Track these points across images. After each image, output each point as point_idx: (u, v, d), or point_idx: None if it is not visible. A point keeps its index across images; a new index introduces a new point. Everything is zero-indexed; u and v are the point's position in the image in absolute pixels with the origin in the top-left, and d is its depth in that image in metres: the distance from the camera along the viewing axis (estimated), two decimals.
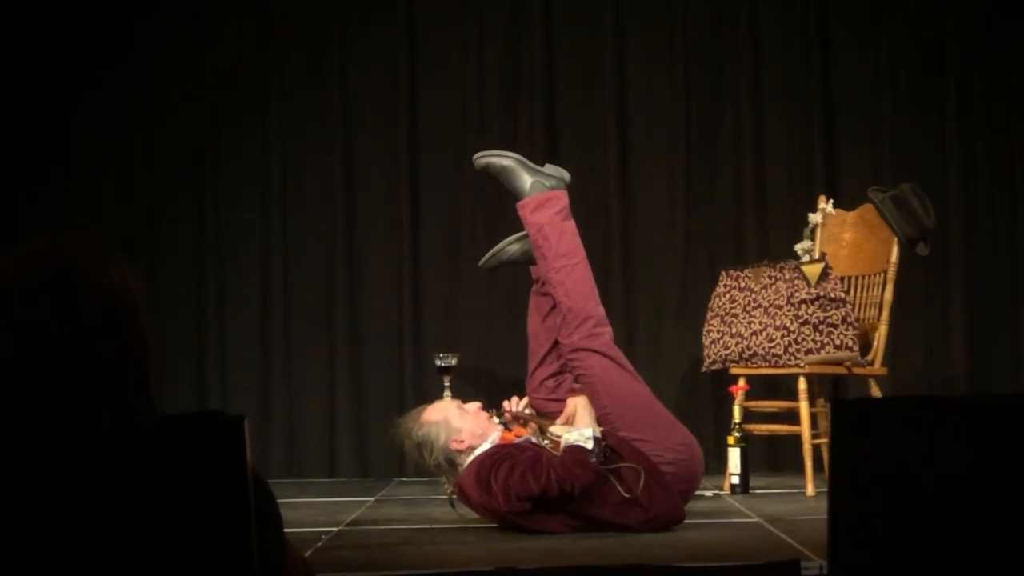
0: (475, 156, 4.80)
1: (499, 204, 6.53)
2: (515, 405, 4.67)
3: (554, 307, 4.70)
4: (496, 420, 4.65)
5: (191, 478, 1.66)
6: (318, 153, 6.69)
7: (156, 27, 6.60)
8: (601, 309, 4.65)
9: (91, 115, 6.56)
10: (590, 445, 4.17)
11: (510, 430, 4.61)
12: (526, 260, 4.82)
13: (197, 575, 1.65)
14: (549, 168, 4.78)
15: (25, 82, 6.48)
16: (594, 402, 4.43)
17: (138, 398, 1.78)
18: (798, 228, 5.95)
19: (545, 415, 4.64)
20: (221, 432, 1.68)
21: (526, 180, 4.68)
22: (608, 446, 4.31)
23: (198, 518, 1.65)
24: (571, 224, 4.70)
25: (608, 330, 4.61)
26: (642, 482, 4.16)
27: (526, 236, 4.78)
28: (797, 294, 5.27)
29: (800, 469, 5.39)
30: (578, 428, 4.25)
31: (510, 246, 4.85)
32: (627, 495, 4.15)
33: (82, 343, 1.74)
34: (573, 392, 4.59)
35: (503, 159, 4.72)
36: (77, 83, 6.53)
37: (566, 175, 4.79)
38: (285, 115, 6.68)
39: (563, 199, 4.72)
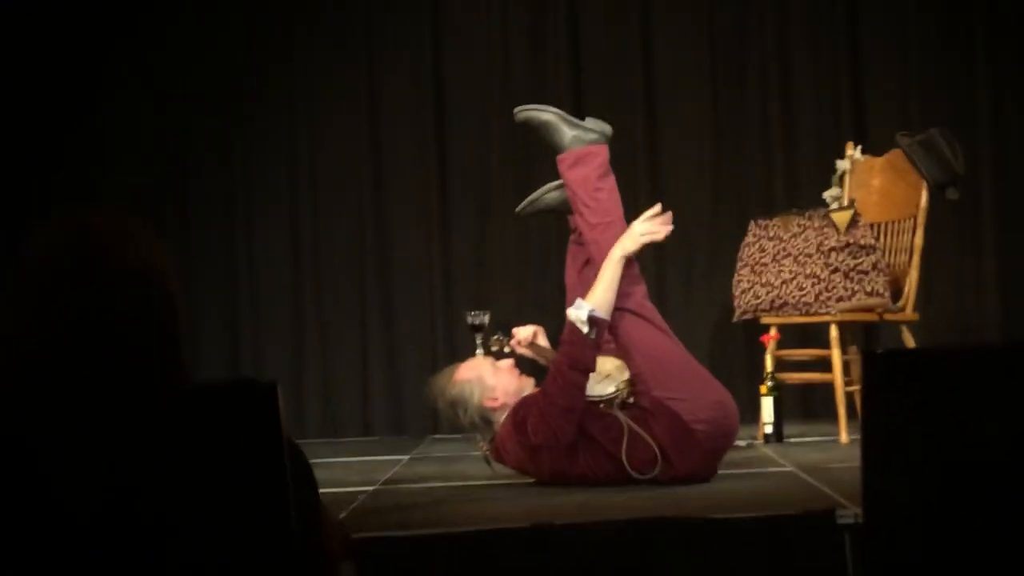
0: (516, 110, 4.75)
1: (527, 161, 6.53)
2: (526, 332, 4.66)
3: (589, 260, 4.68)
4: (501, 341, 4.65)
5: (225, 447, 1.67)
6: (344, 114, 6.70)
7: None
8: (635, 266, 4.62)
9: (119, 77, 6.58)
10: (585, 329, 4.19)
11: (504, 355, 4.62)
12: (565, 208, 4.78)
13: (234, 544, 1.66)
14: (590, 122, 4.71)
15: (53, 51, 6.49)
16: (626, 361, 4.42)
17: (170, 370, 1.79)
18: (826, 175, 5.92)
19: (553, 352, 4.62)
20: (255, 400, 1.67)
21: (566, 134, 4.64)
22: (638, 405, 4.32)
23: (233, 487, 1.66)
24: (610, 180, 4.65)
25: (641, 288, 4.58)
26: (658, 466, 4.19)
27: None
28: (827, 242, 5.25)
29: (833, 416, 5.39)
30: (577, 306, 4.27)
31: (549, 193, 4.80)
32: (616, 454, 4.20)
33: (112, 318, 1.75)
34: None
35: (543, 113, 4.68)
36: (104, 48, 6.55)
37: (608, 129, 4.73)
38: (312, 76, 6.68)
39: (602, 154, 4.67)
